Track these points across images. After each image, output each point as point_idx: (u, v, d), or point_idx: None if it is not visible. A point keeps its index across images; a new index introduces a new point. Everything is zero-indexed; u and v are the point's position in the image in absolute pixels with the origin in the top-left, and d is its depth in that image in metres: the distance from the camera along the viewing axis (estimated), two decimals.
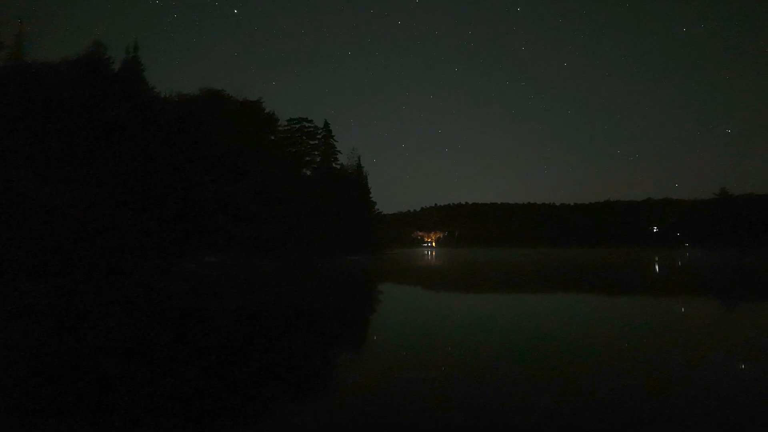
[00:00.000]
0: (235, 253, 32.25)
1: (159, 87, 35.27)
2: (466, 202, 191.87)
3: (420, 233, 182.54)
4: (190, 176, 30.56)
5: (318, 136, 56.01)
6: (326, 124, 56.64)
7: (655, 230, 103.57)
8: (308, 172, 52.53)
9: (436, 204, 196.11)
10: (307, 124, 54.96)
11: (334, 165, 57.11)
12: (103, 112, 26.76)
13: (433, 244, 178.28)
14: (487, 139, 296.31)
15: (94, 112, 26.48)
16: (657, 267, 32.09)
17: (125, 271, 22.62)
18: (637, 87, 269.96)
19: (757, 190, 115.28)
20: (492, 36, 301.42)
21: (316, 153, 55.90)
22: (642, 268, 30.48)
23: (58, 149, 24.84)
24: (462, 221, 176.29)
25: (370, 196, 65.81)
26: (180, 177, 29.88)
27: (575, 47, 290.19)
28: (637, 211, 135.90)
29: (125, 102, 27.90)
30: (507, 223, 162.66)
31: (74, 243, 23.70)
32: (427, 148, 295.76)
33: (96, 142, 26.24)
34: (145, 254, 26.65)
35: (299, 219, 38.56)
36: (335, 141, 57.27)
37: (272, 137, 47.76)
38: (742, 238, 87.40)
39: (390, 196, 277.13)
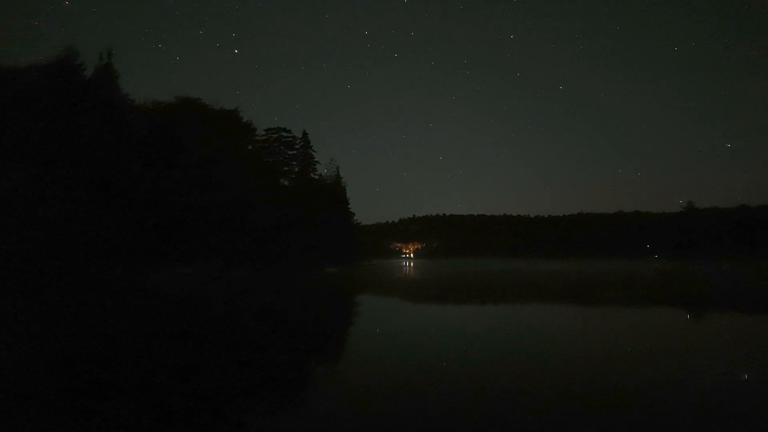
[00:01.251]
0: (210, 265, 31.57)
1: (135, 95, 34.45)
2: (444, 214, 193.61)
3: (398, 244, 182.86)
4: (164, 186, 29.90)
5: (296, 146, 55.80)
6: (305, 134, 56.55)
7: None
8: (286, 183, 52.13)
9: (414, 215, 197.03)
10: (285, 134, 54.69)
11: (312, 175, 56.89)
12: (73, 119, 26.01)
13: (411, 255, 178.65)
14: (465, 152, 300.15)
15: (64, 120, 25.71)
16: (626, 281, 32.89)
17: (86, 284, 21.86)
18: (613, 105, 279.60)
19: (722, 204, 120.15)
20: (474, 50, 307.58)
21: (294, 163, 55.60)
22: (601, 281, 31.21)
23: (24, 157, 23.99)
24: (440, 233, 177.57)
25: (349, 206, 65.80)
26: (153, 186, 29.20)
27: (547, 70, 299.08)
28: (609, 223, 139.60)
29: (97, 110, 27.20)
30: (483, 235, 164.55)
31: (39, 254, 22.80)
32: (406, 159, 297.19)
33: (64, 150, 25.44)
34: (113, 266, 25.83)
35: (276, 230, 38.12)
36: (314, 151, 57.20)
37: (249, 147, 47.28)
38: (708, 250, 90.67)
39: (368, 207, 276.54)
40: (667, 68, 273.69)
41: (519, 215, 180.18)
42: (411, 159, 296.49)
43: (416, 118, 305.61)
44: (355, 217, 69.80)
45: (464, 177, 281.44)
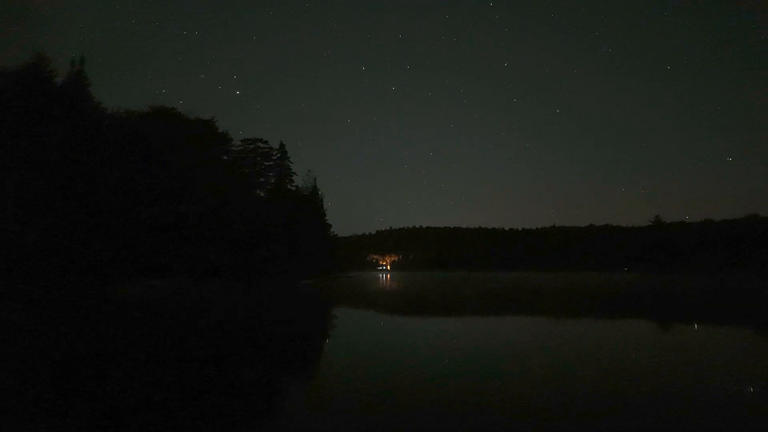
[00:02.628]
0: (183, 277, 30.91)
1: (107, 103, 33.78)
2: (421, 226, 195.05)
3: (375, 256, 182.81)
4: (135, 195, 29.30)
5: (273, 157, 55.47)
6: (282, 145, 56.33)
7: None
8: (262, 194, 51.67)
9: (391, 227, 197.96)
10: (261, 145, 54.32)
11: (289, 186, 56.58)
12: (42, 128, 25.33)
13: (388, 267, 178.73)
14: (442, 165, 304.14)
15: (33, 128, 25.01)
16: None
17: (46, 297, 21.15)
18: (587, 118, 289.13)
19: (688, 218, 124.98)
20: (452, 60, 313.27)
21: (270, 174, 55.21)
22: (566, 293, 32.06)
23: None
24: (416, 244, 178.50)
25: (326, 218, 65.64)
26: (125, 196, 28.58)
27: (524, 88, 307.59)
28: (580, 236, 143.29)
29: (67, 118, 26.58)
30: (458, 247, 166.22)
31: (4, 264, 21.95)
32: (384, 171, 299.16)
33: (32, 159, 24.70)
34: (79, 278, 25.05)
35: (250, 241, 37.67)
36: (290, 162, 56.99)
37: (225, 157, 46.78)
38: (672, 263, 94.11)
39: (346, 218, 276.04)
40: (641, 85, 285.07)
41: (494, 228, 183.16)
42: (388, 171, 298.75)
43: (394, 131, 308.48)
44: (332, 229, 69.62)
45: (441, 190, 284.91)
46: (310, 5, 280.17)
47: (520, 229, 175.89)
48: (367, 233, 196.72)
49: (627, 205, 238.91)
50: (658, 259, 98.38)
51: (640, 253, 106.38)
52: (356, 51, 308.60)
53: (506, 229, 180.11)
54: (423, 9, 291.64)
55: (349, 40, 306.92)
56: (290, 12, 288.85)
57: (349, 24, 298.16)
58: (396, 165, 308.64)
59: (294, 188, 57.66)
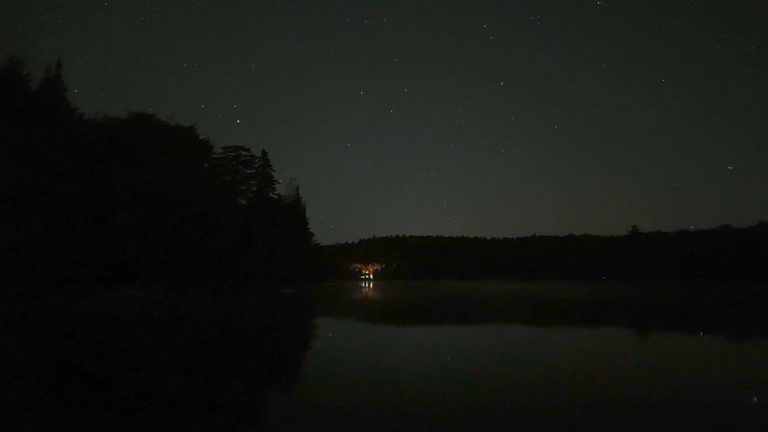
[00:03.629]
0: (160, 286, 30.20)
1: (85, 109, 32.93)
2: (404, 235, 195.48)
3: (358, 265, 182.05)
4: (113, 203, 28.61)
5: (255, 165, 55.01)
6: (264, 153, 55.94)
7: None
8: (243, 202, 51.09)
9: (374, 236, 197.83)
10: (243, 153, 53.83)
11: (271, 195, 56.13)
12: (16, 133, 24.59)
13: (371, 276, 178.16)
14: (425, 175, 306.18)
15: (6, 133, 24.26)
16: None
17: (18, 307, 20.39)
18: (564, 131, 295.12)
19: (664, 228, 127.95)
20: (430, 72, 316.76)
21: (252, 182, 54.71)
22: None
23: None
24: (399, 254, 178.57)
25: (308, 227, 65.21)
26: (101, 204, 27.88)
27: (502, 100, 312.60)
28: (561, 246, 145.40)
29: (42, 123, 25.88)
30: (441, 256, 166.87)
31: None
32: (367, 180, 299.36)
33: (5, 165, 23.94)
34: (52, 287, 24.24)
35: (231, 250, 37.11)
36: (273, 170, 56.61)
37: (206, 165, 46.18)
38: (650, 273, 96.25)
39: (329, 227, 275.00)
40: (616, 99, 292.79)
41: (476, 237, 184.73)
42: (372, 180, 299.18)
43: (378, 140, 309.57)
44: (314, 238, 69.23)
45: (424, 199, 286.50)
46: (289, 11, 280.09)
47: (501, 238, 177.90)
48: (350, 242, 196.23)
49: (606, 215, 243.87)
50: (634, 270, 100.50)
51: (617, 263, 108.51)
52: (339, 60, 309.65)
53: (488, 238, 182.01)
54: (397, 13, 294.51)
55: (334, 48, 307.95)
56: (271, 20, 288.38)
57: (334, 33, 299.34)
58: (380, 173, 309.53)
59: (276, 196, 57.23)
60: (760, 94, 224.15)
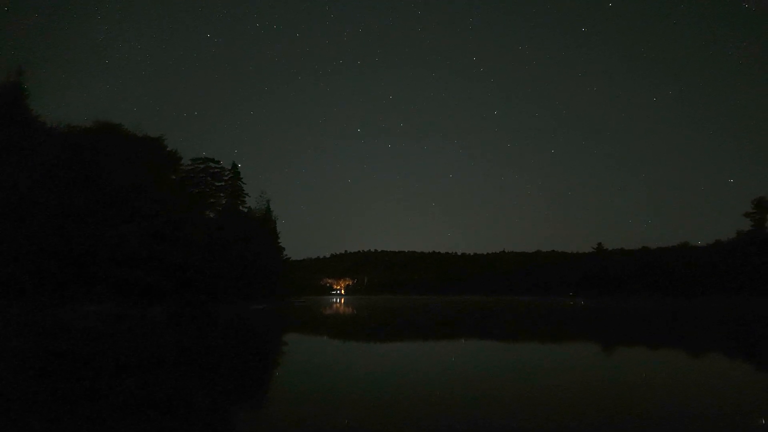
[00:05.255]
0: (126, 301, 28.93)
1: (47, 117, 31.48)
2: (375, 250, 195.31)
3: (329, 280, 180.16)
4: (76, 214, 27.41)
5: (225, 178, 53.99)
6: (234, 166, 55.08)
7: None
8: (212, 215, 49.93)
9: (346, 251, 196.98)
10: (213, 165, 52.79)
11: (241, 208, 55.11)
12: None
13: (342, 291, 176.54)
14: (396, 190, 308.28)
15: None
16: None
17: None
18: (537, 146, 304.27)
19: (627, 245, 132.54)
20: (407, 84, 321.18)
21: (221, 195, 53.61)
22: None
23: None
24: (370, 269, 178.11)
25: (279, 241, 64.16)
26: (63, 215, 26.66)
27: (472, 123, 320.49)
28: (527, 262, 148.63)
29: (1, 130, 24.72)
30: (412, 271, 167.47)
31: None
32: (339, 195, 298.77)
33: None
34: (10, 302, 22.85)
35: (197, 264, 36.03)
36: (243, 183, 55.70)
37: (173, 176, 45.05)
38: (611, 289, 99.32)
39: (300, 241, 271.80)
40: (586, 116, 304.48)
41: (447, 252, 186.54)
42: (344, 195, 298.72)
43: (350, 155, 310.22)
44: (285, 252, 68.13)
45: (395, 214, 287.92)
46: (263, 21, 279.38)
47: (472, 254, 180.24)
48: (321, 256, 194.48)
49: (572, 232, 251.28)
50: (599, 285, 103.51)
51: (582, 279, 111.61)
52: (311, 72, 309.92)
53: (459, 253, 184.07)
54: (373, 26, 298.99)
55: (305, 62, 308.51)
56: (243, 32, 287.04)
57: (306, 46, 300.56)
58: (352, 188, 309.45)
59: (246, 209, 56.22)
60: (722, 119, 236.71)
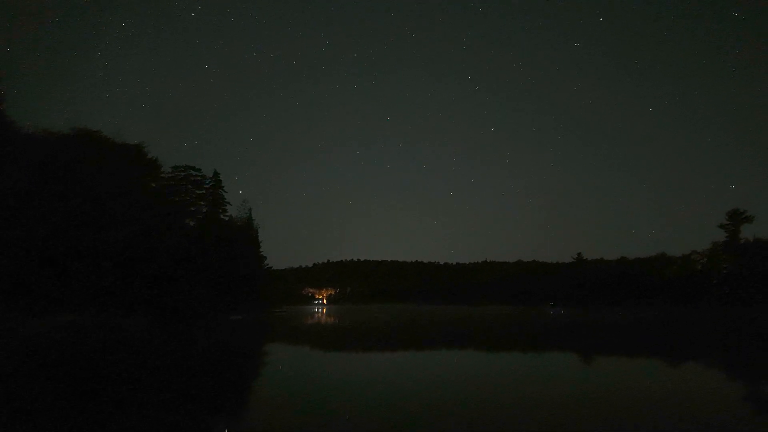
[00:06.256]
0: (103, 312, 28.27)
1: (23, 123, 30.71)
2: (359, 259, 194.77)
3: (311, 290, 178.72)
4: (51, 221, 26.82)
5: (205, 186, 53.45)
6: (215, 174, 54.58)
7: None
8: (192, 223, 49.28)
9: (328, 260, 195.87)
10: (193, 173, 52.21)
11: (222, 216, 54.54)
12: None
13: (324, 301, 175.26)
14: (379, 199, 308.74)
15: None
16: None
17: None
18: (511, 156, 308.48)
19: (606, 255, 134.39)
20: (386, 95, 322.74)
21: (202, 203, 53.00)
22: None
23: None
24: (353, 278, 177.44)
25: (260, 250, 63.59)
26: (38, 222, 26.07)
27: (456, 131, 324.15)
28: (508, 271, 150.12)
29: None
30: (395, 281, 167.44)
31: None
32: (321, 203, 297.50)
33: None
34: None
35: (176, 273, 35.47)
36: (224, 192, 55.20)
37: (153, 184, 44.43)
38: (590, 298, 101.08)
39: (282, 250, 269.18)
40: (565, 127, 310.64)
41: (429, 262, 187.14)
42: (326, 203, 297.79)
43: (332, 162, 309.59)
44: (266, 261, 67.51)
45: (378, 223, 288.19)
46: (241, 29, 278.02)
47: (454, 263, 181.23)
48: (303, 266, 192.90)
49: (553, 243, 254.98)
50: (578, 295, 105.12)
51: (562, 288, 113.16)
52: (292, 80, 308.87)
53: (441, 263, 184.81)
54: (354, 35, 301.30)
55: (286, 70, 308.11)
56: (223, 39, 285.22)
57: (286, 53, 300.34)
58: (336, 197, 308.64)
59: (227, 218, 55.66)
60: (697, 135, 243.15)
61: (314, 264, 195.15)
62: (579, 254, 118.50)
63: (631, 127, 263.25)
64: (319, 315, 57.51)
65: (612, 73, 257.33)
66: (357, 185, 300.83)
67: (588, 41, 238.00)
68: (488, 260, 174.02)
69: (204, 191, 53.36)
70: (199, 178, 52.67)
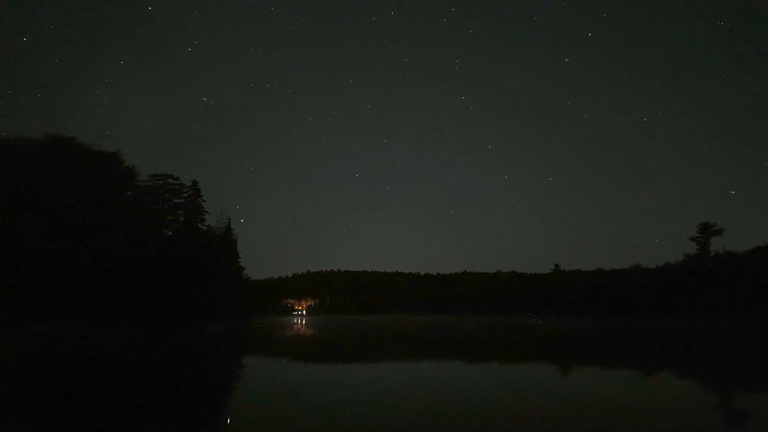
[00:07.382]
0: (78, 323, 27.52)
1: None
2: (338, 270, 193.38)
3: (290, 301, 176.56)
4: (22, 231, 26.17)
5: (184, 195, 52.72)
6: (195, 183, 53.91)
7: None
8: (169, 233, 48.49)
9: (308, 270, 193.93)
10: (172, 181, 51.43)
11: (200, 226, 53.81)
12: None
13: (304, 312, 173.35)
14: (359, 209, 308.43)
15: None
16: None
17: None
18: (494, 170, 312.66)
19: (583, 267, 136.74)
20: (371, 101, 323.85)
21: (180, 212, 52.23)
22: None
23: None
24: (333, 288, 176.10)
25: (239, 260, 62.86)
26: (7, 231, 25.41)
27: (436, 138, 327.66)
28: (488, 282, 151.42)
29: None
30: (375, 291, 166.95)
31: None
32: (302, 213, 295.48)
33: None
34: None
35: (152, 284, 34.83)
36: (203, 201, 54.55)
37: (130, 193, 43.65)
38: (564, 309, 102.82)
39: (262, 261, 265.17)
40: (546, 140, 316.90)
41: (410, 272, 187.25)
42: (307, 214, 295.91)
43: (311, 173, 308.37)
44: (245, 272, 66.69)
45: (358, 233, 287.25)
46: (224, 34, 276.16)
47: (435, 273, 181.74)
48: (283, 276, 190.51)
49: (531, 253, 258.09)
50: (555, 305, 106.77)
51: (540, 299, 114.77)
52: (271, 92, 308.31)
53: (422, 273, 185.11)
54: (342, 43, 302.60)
55: (265, 80, 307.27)
56: (205, 44, 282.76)
57: (267, 59, 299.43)
58: (315, 207, 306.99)
59: (206, 228, 54.95)
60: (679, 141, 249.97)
61: (294, 274, 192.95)
62: (556, 265, 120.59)
63: (622, 143, 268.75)
64: (298, 326, 57.03)
65: (603, 89, 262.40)
66: (337, 197, 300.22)
67: (578, 56, 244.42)
68: (468, 271, 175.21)
69: (182, 200, 52.64)
70: (177, 186, 51.94)
